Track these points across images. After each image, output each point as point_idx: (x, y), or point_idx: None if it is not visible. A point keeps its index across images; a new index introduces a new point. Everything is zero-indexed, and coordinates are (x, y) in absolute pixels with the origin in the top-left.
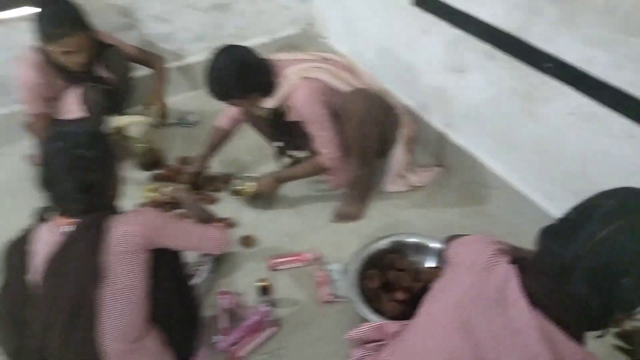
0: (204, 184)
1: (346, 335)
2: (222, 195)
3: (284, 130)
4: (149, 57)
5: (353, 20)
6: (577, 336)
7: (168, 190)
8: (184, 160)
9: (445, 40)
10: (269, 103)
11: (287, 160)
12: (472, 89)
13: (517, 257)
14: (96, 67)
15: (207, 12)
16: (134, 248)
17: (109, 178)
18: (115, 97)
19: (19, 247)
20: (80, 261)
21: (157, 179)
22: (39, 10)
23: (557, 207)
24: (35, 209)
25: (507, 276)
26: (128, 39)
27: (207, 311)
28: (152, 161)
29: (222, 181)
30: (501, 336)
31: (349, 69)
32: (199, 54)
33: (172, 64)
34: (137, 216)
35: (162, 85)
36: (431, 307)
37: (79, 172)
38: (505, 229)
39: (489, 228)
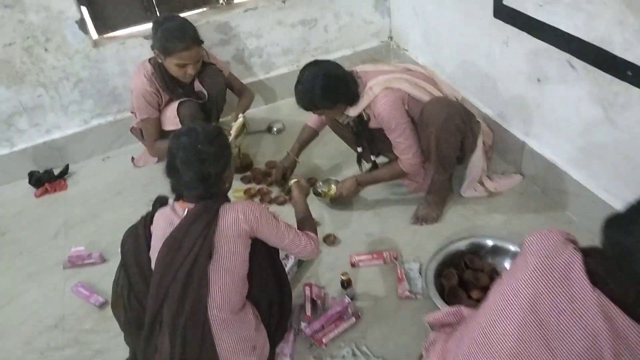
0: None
1: (425, 318)
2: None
3: (366, 137)
4: (238, 85)
5: (433, 32)
6: (637, 317)
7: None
8: (271, 165)
9: (526, 50)
10: (353, 112)
11: (368, 165)
12: (552, 97)
13: (585, 247)
14: (195, 82)
15: (295, 27)
16: (240, 233)
17: (224, 171)
18: (209, 112)
19: (135, 231)
20: (195, 240)
21: (244, 181)
22: (161, 25)
23: None
24: (156, 198)
25: (572, 258)
26: (223, 54)
27: (294, 300)
28: (242, 165)
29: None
30: (564, 314)
31: (430, 79)
32: (286, 67)
33: (262, 76)
34: (245, 206)
35: (242, 109)
36: (501, 289)
37: (199, 164)
38: (585, 235)
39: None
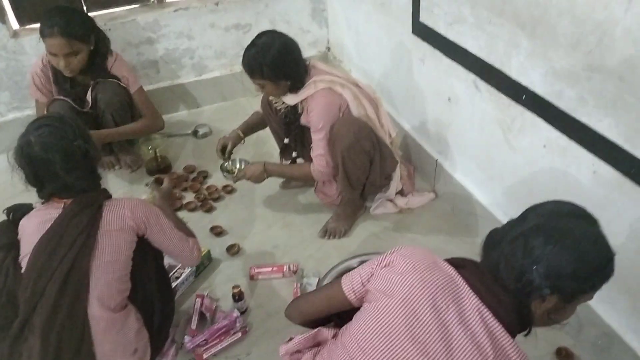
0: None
1: (280, 351)
2: (219, 204)
3: (296, 131)
4: (144, 110)
5: (362, 45)
6: (510, 328)
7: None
8: (190, 169)
9: (439, 69)
10: (291, 99)
11: (288, 160)
12: (461, 118)
13: (452, 259)
14: (88, 92)
15: (229, 30)
16: (125, 228)
17: (96, 157)
18: (100, 126)
19: (8, 228)
20: (76, 236)
21: (159, 184)
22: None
23: None
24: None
25: (449, 268)
26: (151, 53)
27: (182, 311)
28: (159, 168)
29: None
30: (453, 326)
31: (374, 103)
32: (219, 70)
33: (193, 78)
34: (130, 202)
35: (127, 132)
36: (372, 306)
37: (83, 161)
38: None
39: (471, 256)
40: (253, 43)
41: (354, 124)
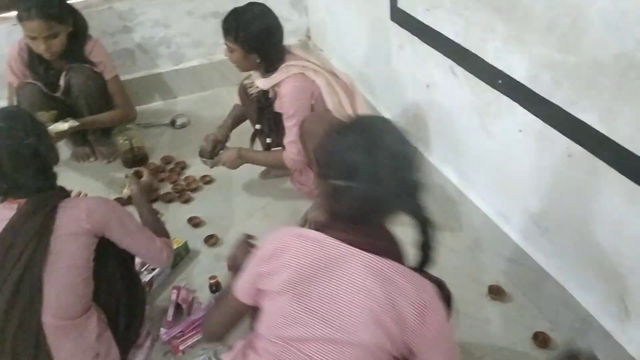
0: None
1: None
2: (198, 195)
3: (270, 117)
4: (118, 99)
5: (343, 33)
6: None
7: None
8: (167, 160)
9: (417, 55)
10: (262, 83)
11: (261, 145)
12: (439, 104)
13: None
14: (62, 76)
15: (206, 18)
16: (80, 231)
17: (48, 155)
18: (73, 111)
19: None
20: (27, 241)
21: (137, 176)
22: None
23: (512, 225)
24: None
25: (315, 233)
26: (126, 42)
27: (159, 303)
28: (135, 159)
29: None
30: (337, 288)
31: (350, 92)
32: (197, 59)
33: (170, 67)
34: (87, 203)
35: (101, 120)
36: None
37: (34, 160)
38: (467, 243)
39: (448, 241)
40: (244, 8)
41: (324, 121)
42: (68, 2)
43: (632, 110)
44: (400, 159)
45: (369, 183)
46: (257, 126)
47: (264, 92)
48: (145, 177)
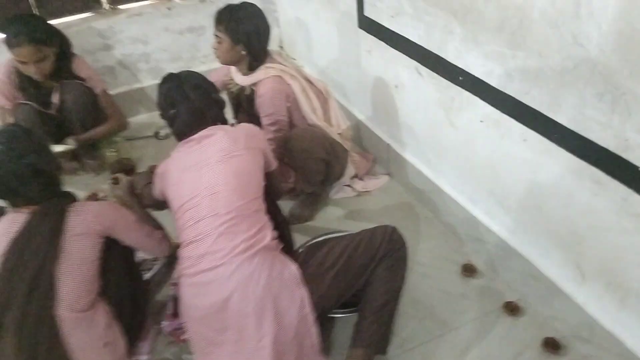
0: None
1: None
2: None
3: (249, 112)
4: (110, 110)
5: (313, 42)
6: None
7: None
8: (154, 169)
9: (385, 59)
10: (242, 80)
11: None
12: (407, 102)
13: None
14: (54, 94)
15: (183, 34)
16: (89, 232)
17: (49, 167)
18: (67, 128)
19: None
20: (40, 244)
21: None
22: (8, 21)
23: (479, 208)
24: None
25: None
26: (107, 59)
27: (159, 299)
28: (123, 170)
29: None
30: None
31: (323, 99)
32: None
33: (150, 82)
34: (95, 207)
35: (97, 134)
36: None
37: (36, 177)
38: (439, 228)
39: (423, 228)
40: (243, 4)
41: (306, 138)
42: (49, 22)
43: (572, 95)
44: (200, 83)
45: (185, 104)
46: (233, 121)
47: (242, 89)
48: (123, 179)
